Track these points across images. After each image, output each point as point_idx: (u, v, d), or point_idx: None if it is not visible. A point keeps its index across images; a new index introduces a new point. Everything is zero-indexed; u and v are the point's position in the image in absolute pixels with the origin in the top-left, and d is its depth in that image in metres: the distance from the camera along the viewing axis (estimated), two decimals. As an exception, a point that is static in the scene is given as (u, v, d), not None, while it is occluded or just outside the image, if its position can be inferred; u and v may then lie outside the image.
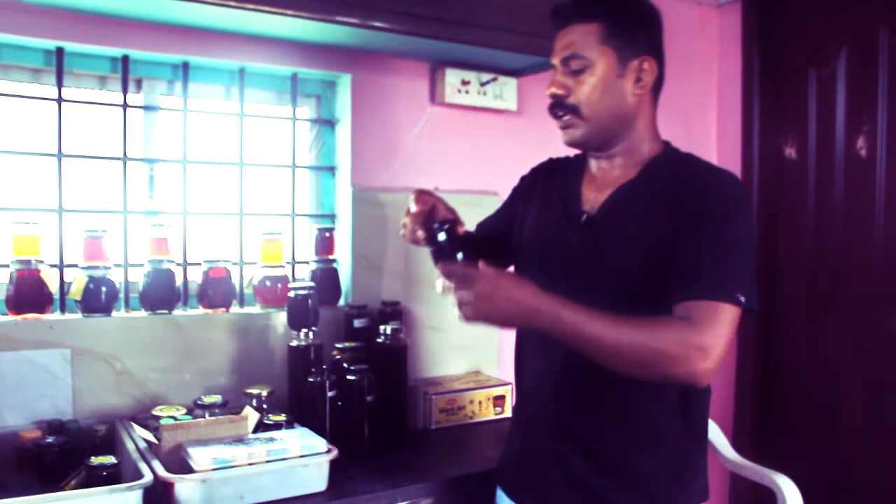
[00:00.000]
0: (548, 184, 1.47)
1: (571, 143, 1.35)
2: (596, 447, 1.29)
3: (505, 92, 2.25)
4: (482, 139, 2.27)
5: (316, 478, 1.43)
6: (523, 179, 1.56)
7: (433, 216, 1.39)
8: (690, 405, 1.28)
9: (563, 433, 1.31)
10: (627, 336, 1.10)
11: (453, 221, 1.33)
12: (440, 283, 1.21)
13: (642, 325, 1.11)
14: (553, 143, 2.31)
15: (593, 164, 1.39)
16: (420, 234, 1.37)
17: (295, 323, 1.79)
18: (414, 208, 1.39)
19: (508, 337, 2.28)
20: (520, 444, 1.43)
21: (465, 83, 2.17)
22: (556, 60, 1.31)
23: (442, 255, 1.30)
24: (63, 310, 1.76)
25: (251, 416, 1.57)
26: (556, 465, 1.32)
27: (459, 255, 1.28)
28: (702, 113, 2.79)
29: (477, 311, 1.15)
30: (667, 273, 1.18)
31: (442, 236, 1.30)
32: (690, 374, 1.10)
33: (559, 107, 1.31)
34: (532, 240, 1.43)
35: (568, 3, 1.31)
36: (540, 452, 1.35)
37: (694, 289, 1.14)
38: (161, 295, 1.80)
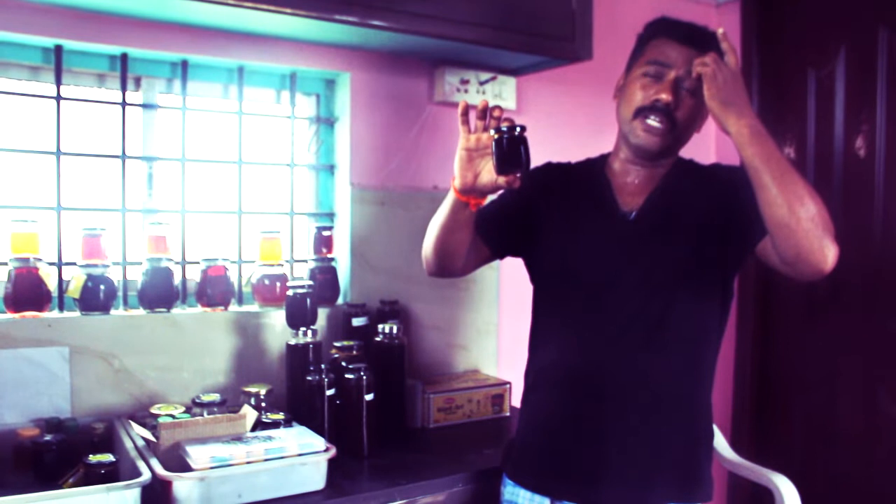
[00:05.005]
0: (567, 189, 1.51)
1: (647, 148, 1.41)
2: (660, 443, 1.38)
3: (504, 91, 2.25)
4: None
5: (314, 476, 1.43)
6: (530, 178, 1.55)
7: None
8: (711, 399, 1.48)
9: (629, 428, 1.38)
10: (806, 183, 1.23)
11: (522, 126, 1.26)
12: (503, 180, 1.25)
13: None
14: (552, 143, 2.32)
15: (630, 173, 1.47)
16: (491, 132, 1.26)
17: (293, 321, 1.79)
18: (478, 105, 1.30)
19: (507, 337, 2.30)
20: (556, 437, 1.44)
21: (464, 82, 2.17)
22: (675, 70, 1.38)
23: (510, 156, 1.23)
24: (61, 308, 1.76)
25: (249, 414, 1.57)
26: (616, 460, 1.37)
27: (524, 159, 1.23)
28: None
29: (728, 83, 1.22)
30: (734, 249, 1.38)
31: (512, 137, 1.22)
32: (833, 248, 1.25)
33: (662, 113, 1.37)
34: (571, 239, 1.45)
35: (705, 30, 1.41)
36: (599, 447, 1.38)
37: None
38: (159, 293, 1.80)
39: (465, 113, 1.30)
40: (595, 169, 1.51)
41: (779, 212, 1.21)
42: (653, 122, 1.38)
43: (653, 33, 1.44)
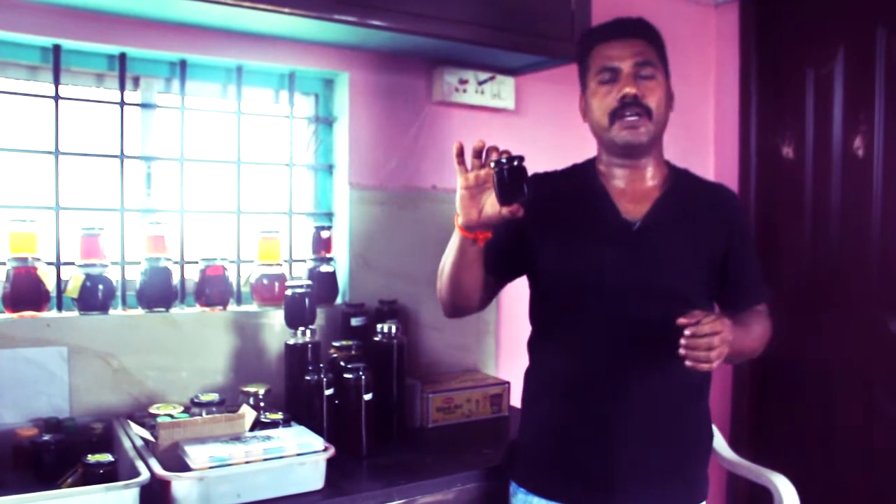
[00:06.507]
0: (560, 198, 1.51)
1: (636, 143, 1.42)
2: (665, 445, 1.42)
3: (502, 91, 2.25)
4: (480, 138, 2.26)
5: (313, 476, 1.43)
6: None
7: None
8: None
9: (637, 432, 1.40)
10: (759, 336, 1.49)
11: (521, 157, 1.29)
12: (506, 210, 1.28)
13: (756, 321, 1.50)
14: (551, 142, 2.32)
15: (620, 177, 1.48)
16: (491, 164, 1.28)
17: (292, 321, 1.79)
18: (474, 146, 1.33)
19: (506, 336, 2.29)
20: (569, 444, 1.44)
21: (462, 82, 2.17)
22: (626, 64, 1.40)
23: (511, 186, 1.26)
24: (60, 308, 1.76)
25: (248, 414, 1.57)
26: (625, 463, 1.39)
27: (525, 187, 1.26)
28: (699, 112, 2.80)
29: (721, 355, 1.25)
30: (719, 278, 1.47)
31: (512, 168, 1.26)
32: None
33: (635, 106, 1.39)
34: (575, 248, 1.46)
35: (629, 19, 1.46)
36: (607, 451, 1.40)
37: (757, 297, 1.55)
38: (158, 293, 1.80)
39: (461, 154, 1.33)
40: (587, 176, 1.51)
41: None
42: (630, 117, 1.39)
43: (587, 45, 1.47)
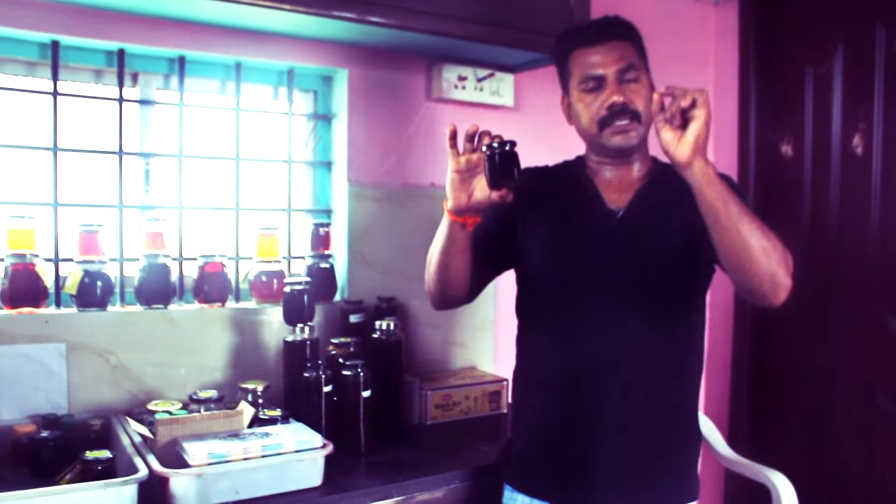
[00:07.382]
0: (550, 191, 1.52)
1: (627, 148, 1.42)
2: (653, 442, 1.40)
3: (501, 88, 2.24)
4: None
5: (311, 473, 1.43)
6: None
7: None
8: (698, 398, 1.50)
9: (624, 428, 1.38)
10: (757, 221, 1.24)
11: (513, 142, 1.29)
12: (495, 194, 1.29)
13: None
14: (549, 140, 2.32)
15: (608, 171, 1.48)
16: (483, 148, 1.29)
17: (291, 318, 1.79)
18: (467, 130, 1.33)
19: (504, 333, 2.29)
20: (553, 441, 1.44)
21: (461, 79, 2.16)
22: (609, 71, 1.39)
23: (502, 170, 1.27)
24: (58, 304, 1.76)
25: (246, 411, 1.57)
26: (611, 460, 1.38)
27: (515, 173, 1.27)
28: (698, 110, 2.79)
29: (704, 131, 1.18)
30: (714, 258, 1.34)
31: (503, 153, 1.26)
32: (785, 283, 1.27)
33: (624, 113, 1.38)
34: (560, 239, 1.46)
35: (607, 21, 1.44)
36: (594, 449, 1.39)
37: None
38: (156, 289, 1.80)
39: (454, 137, 1.33)
40: (575, 169, 1.53)
41: (735, 254, 1.24)
42: (620, 122, 1.39)
43: (567, 49, 1.46)
